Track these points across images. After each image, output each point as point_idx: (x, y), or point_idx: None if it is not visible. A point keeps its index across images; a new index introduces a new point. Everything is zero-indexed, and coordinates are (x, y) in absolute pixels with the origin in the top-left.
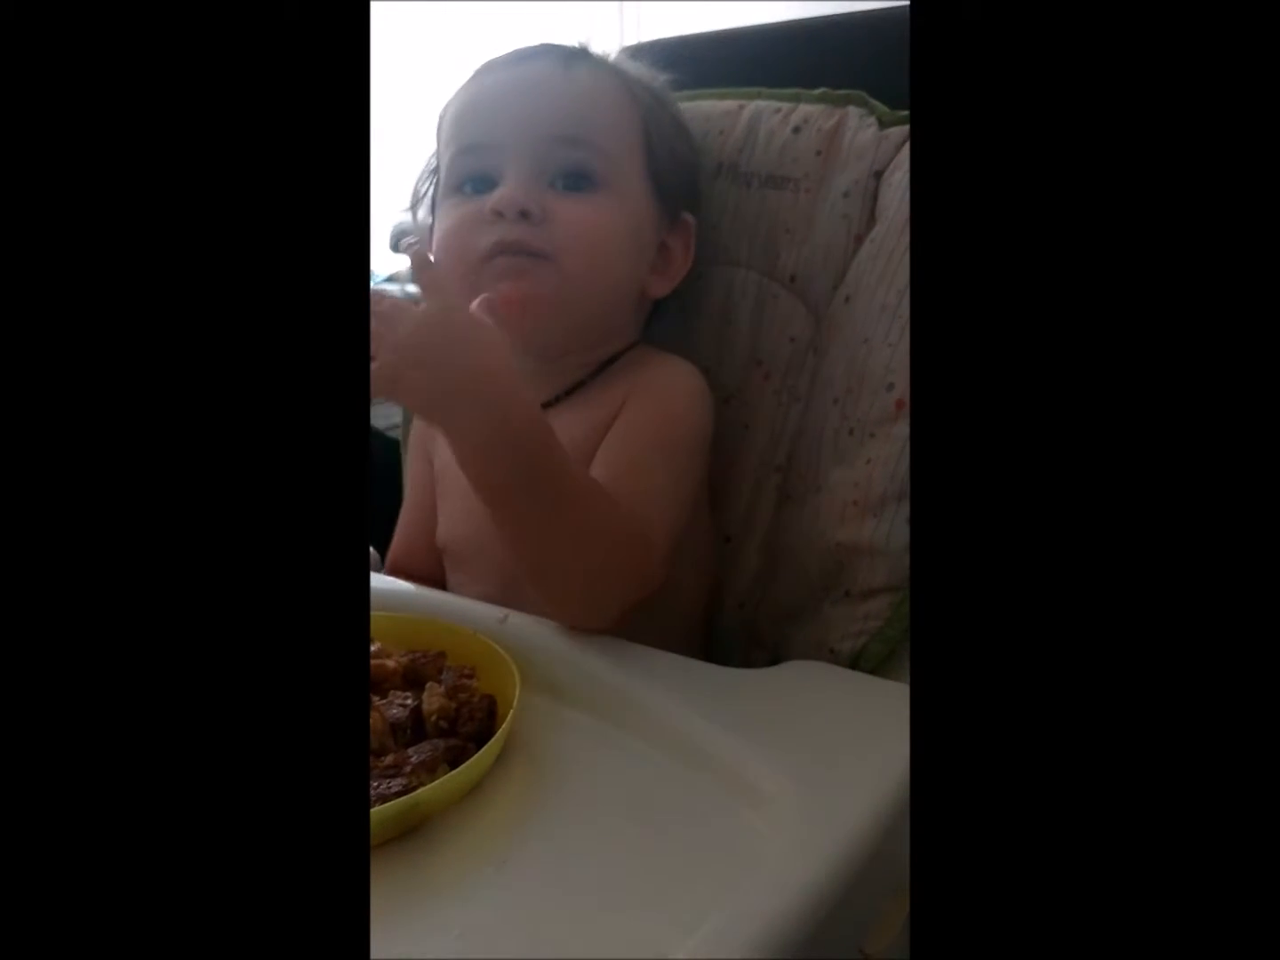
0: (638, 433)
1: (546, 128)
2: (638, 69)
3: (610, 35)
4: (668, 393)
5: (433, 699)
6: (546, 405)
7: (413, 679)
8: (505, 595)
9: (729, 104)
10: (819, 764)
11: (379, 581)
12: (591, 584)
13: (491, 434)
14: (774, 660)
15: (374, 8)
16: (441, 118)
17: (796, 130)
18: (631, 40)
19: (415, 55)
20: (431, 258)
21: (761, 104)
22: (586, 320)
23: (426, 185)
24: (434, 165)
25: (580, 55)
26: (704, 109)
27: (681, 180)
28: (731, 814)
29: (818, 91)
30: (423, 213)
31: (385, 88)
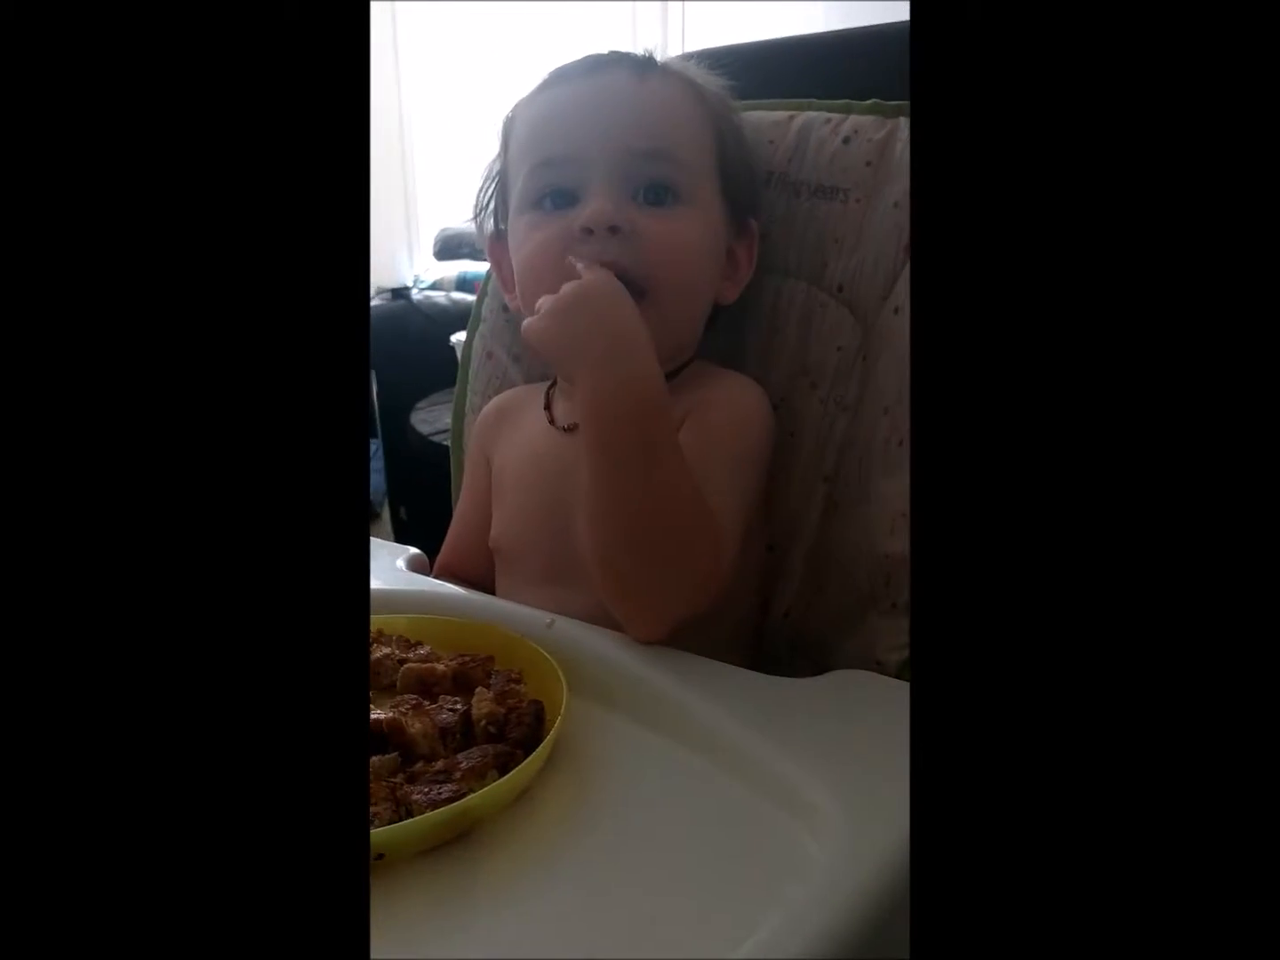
0: (705, 447)
1: (628, 141)
2: (702, 74)
3: (653, 34)
4: (734, 408)
5: (482, 704)
6: None
7: (462, 683)
8: (554, 597)
9: (779, 114)
10: (865, 774)
11: (429, 585)
12: (666, 581)
13: (620, 394)
14: (819, 670)
15: (417, 9)
16: (508, 125)
17: (847, 141)
18: (675, 37)
19: (459, 59)
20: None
21: (812, 114)
22: (672, 339)
23: (490, 193)
24: (496, 170)
25: (650, 64)
26: (754, 119)
27: (746, 186)
28: (778, 824)
29: (869, 102)
30: (484, 219)
31: (430, 96)
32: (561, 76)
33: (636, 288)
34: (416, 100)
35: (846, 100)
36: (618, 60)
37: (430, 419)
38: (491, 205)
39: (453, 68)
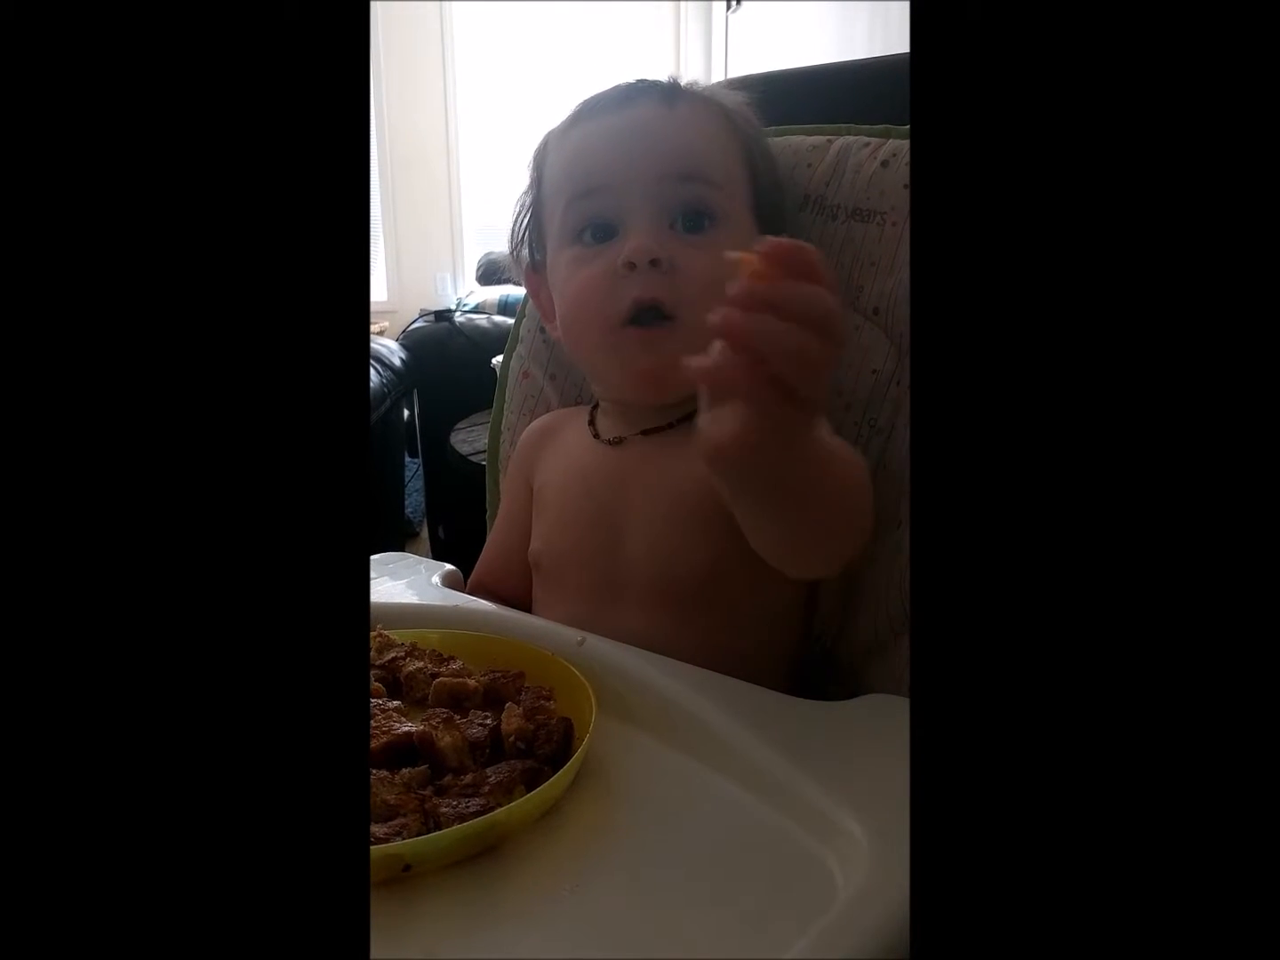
0: None
1: (663, 167)
2: (730, 96)
3: (697, 39)
4: None
5: (511, 719)
6: (654, 431)
7: (492, 698)
8: (597, 613)
9: (817, 139)
10: (893, 800)
11: (464, 600)
12: (837, 516)
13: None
14: (851, 695)
15: (468, 40)
16: (540, 157)
17: (885, 164)
18: (691, 37)
19: (506, 89)
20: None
21: (850, 139)
22: None
23: (525, 224)
24: (529, 203)
25: (677, 90)
26: (792, 143)
27: (778, 205)
28: (804, 848)
29: (907, 126)
30: (520, 250)
31: (477, 125)
32: (592, 109)
33: (669, 313)
34: (464, 129)
35: (885, 125)
36: (646, 90)
37: (470, 439)
38: (526, 236)
39: (500, 98)
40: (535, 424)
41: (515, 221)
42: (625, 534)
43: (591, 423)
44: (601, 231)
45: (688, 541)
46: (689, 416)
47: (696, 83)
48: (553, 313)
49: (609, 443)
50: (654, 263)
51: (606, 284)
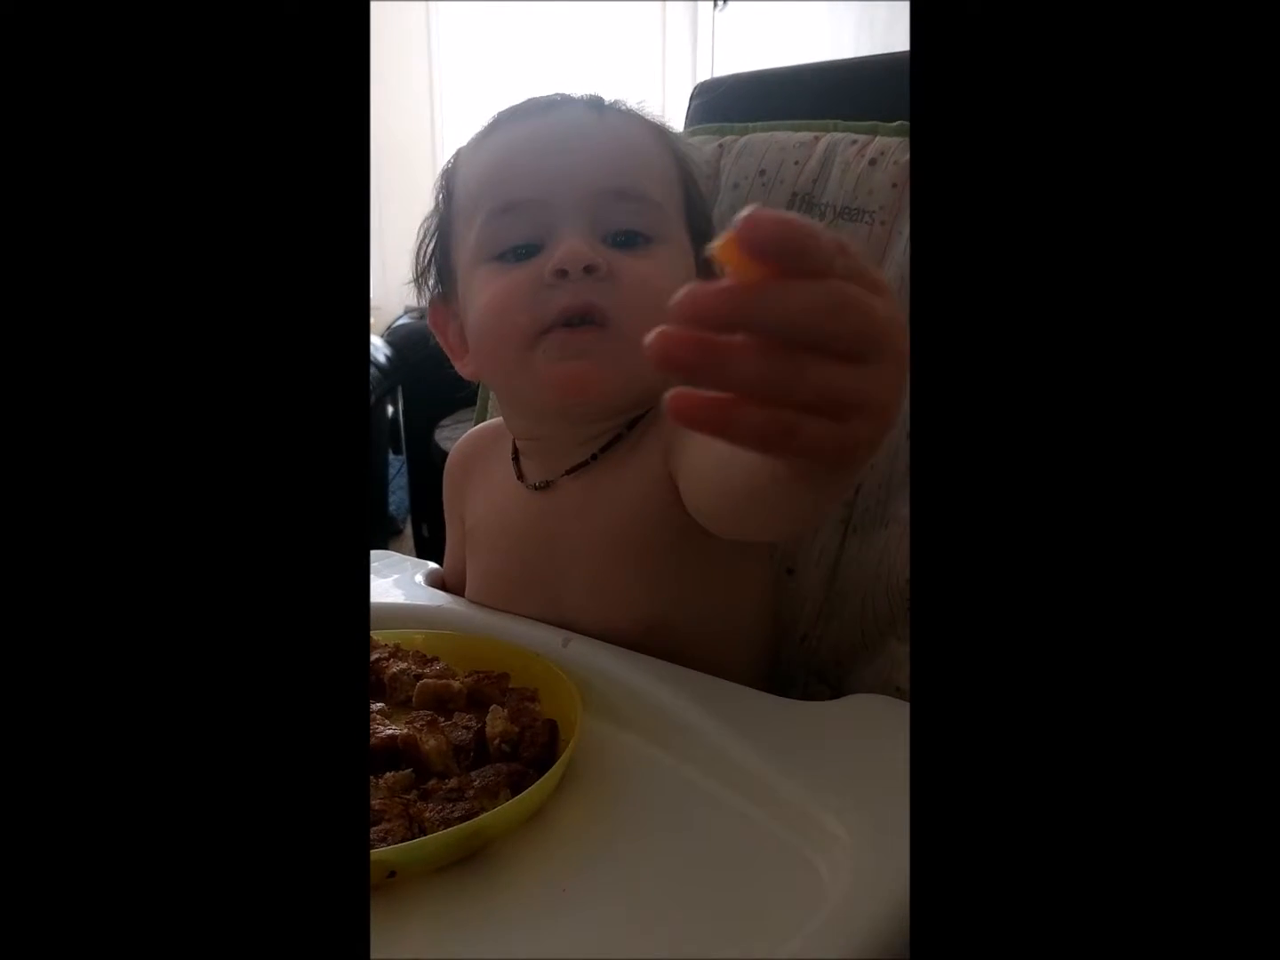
0: None
1: (597, 181)
2: (652, 110)
3: (652, 32)
4: None
5: (495, 722)
6: (579, 468)
7: (477, 700)
8: None
9: (804, 135)
10: (880, 800)
11: (447, 600)
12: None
13: None
14: (838, 695)
15: (452, 38)
16: (449, 175)
17: (873, 163)
18: (676, 37)
19: (493, 88)
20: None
21: (837, 135)
22: (649, 383)
23: (430, 251)
24: (435, 227)
25: (601, 101)
26: (779, 139)
27: (707, 225)
28: (790, 849)
29: (895, 124)
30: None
31: (464, 122)
32: (511, 116)
33: (607, 323)
34: (449, 128)
35: (873, 122)
36: (566, 100)
37: (454, 436)
38: (432, 264)
39: (485, 97)
40: (456, 452)
41: (419, 247)
42: (561, 593)
43: (515, 459)
44: (525, 250)
45: (628, 593)
46: (613, 443)
47: (620, 100)
48: (462, 349)
49: (535, 488)
50: (589, 269)
51: (529, 292)
